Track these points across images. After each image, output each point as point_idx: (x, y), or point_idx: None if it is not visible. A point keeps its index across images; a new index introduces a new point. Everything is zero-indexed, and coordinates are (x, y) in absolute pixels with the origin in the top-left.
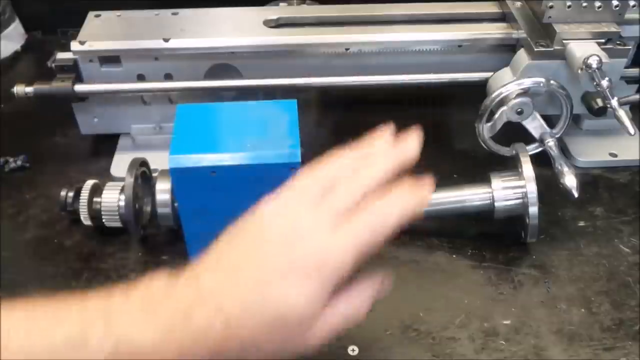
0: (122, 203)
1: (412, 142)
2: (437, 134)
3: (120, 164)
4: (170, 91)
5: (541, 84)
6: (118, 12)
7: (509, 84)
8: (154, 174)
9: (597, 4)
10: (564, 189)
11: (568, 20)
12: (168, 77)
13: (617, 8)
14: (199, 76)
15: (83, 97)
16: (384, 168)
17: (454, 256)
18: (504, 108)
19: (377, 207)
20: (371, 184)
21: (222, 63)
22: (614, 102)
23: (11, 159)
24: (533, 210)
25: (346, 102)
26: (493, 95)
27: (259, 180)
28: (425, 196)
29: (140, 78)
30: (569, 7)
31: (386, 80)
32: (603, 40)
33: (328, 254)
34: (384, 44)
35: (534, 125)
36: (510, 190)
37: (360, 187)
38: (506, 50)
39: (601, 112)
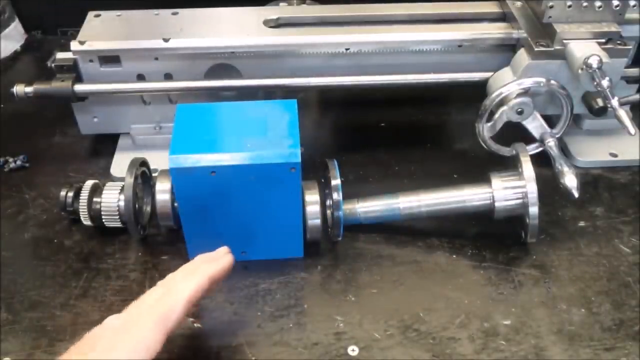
0: (122, 203)
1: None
2: (437, 134)
3: (120, 164)
4: (170, 91)
5: (541, 84)
6: (118, 12)
7: (509, 84)
8: (154, 174)
9: (598, 3)
10: (564, 189)
11: (568, 20)
12: (168, 77)
13: (618, 8)
14: (199, 76)
15: (83, 97)
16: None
17: (454, 256)
18: (504, 108)
19: (171, 278)
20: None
21: (222, 63)
22: (614, 102)
23: (11, 159)
24: (533, 210)
25: (346, 102)
26: (493, 95)
27: (259, 180)
28: (226, 261)
29: (140, 78)
30: (569, 7)
31: (386, 80)
32: (603, 40)
33: None
34: (384, 44)
35: (534, 125)
36: (510, 190)
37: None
38: (506, 50)
39: (601, 112)
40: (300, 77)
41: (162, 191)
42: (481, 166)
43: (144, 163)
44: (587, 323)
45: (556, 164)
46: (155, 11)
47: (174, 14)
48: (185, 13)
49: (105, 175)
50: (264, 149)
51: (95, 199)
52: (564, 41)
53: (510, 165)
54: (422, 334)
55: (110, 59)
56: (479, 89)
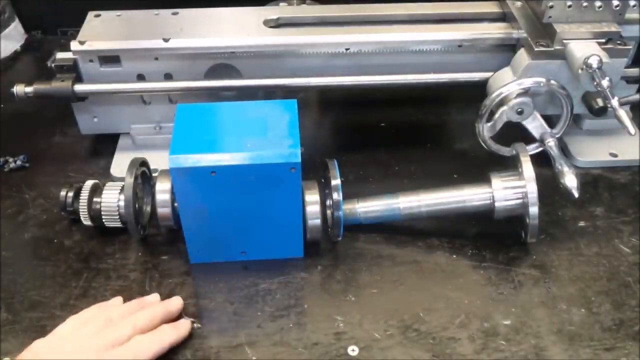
0: (122, 203)
1: (176, 300)
2: (437, 134)
3: (120, 164)
4: (170, 91)
5: (541, 84)
6: (118, 12)
7: (509, 84)
8: (154, 174)
9: (598, 3)
10: (564, 189)
11: (568, 20)
12: (168, 77)
13: (618, 8)
14: (199, 76)
15: (83, 97)
16: (153, 313)
17: (454, 256)
18: (504, 108)
19: (139, 341)
20: (140, 323)
21: (222, 63)
22: (614, 102)
23: (11, 159)
24: (533, 210)
25: (346, 102)
26: (493, 95)
27: (259, 180)
28: (183, 330)
29: (140, 78)
30: (569, 7)
31: (386, 80)
32: (603, 40)
33: None
34: (384, 44)
35: (534, 125)
36: (510, 190)
37: (133, 326)
38: (506, 50)
39: (601, 112)
40: (300, 77)
41: (162, 191)
42: (481, 166)
43: (144, 163)
44: (587, 323)
45: (556, 164)
46: (155, 11)
47: (174, 14)
48: (185, 13)
49: (105, 175)
50: (264, 149)
51: (95, 199)
52: (564, 41)
53: (510, 165)
54: (422, 334)
55: (110, 59)
56: (479, 89)
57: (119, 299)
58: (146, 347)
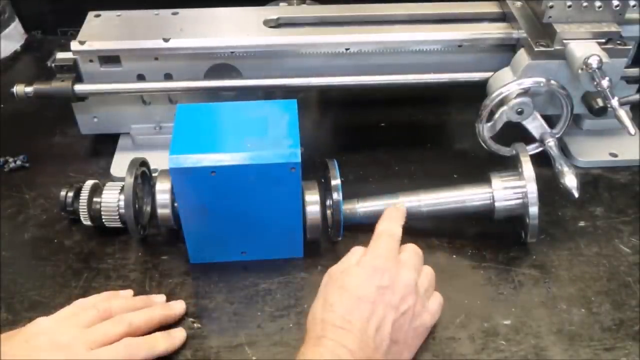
0: (122, 203)
1: (178, 304)
2: (437, 134)
3: (120, 164)
4: (170, 91)
5: (541, 84)
6: (118, 12)
7: (509, 84)
8: (154, 174)
9: (598, 3)
10: (564, 189)
11: (568, 20)
12: (168, 77)
13: (618, 8)
14: (199, 76)
15: (83, 97)
16: (151, 315)
17: (454, 256)
18: (504, 108)
19: (127, 344)
20: (136, 322)
21: (222, 63)
22: (614, 102)
23: (11, 159)
24: (533, 210)
25: (346, 102)
26: (493, 95)
27: (259, 180)
28: (177, 340)
29: (140, 78)
30: (569, 7)
31: (386, 80)
32: (603, 40)
33: None
34: (384, 44)
35: (534, 125)
36: (510, 190)
37: (128, 323)
38: (506, 50)
39: (601, 112)
40: (300, 77)
41: (162, 191)
42: (481, 166)
43: (144, 163)
44: (587, 323)
45: (556, 164)
46: (155, 11)
47: (174, 14)
48: (185, 13)
49: (105, 175)
50: (264, 149)
51: (95, 199)
52: (564, 41)
53: (510, 165)
54: None
55: (110, 59)
56: (479, 89)
57: (129, 292)
58: (134, 351)
